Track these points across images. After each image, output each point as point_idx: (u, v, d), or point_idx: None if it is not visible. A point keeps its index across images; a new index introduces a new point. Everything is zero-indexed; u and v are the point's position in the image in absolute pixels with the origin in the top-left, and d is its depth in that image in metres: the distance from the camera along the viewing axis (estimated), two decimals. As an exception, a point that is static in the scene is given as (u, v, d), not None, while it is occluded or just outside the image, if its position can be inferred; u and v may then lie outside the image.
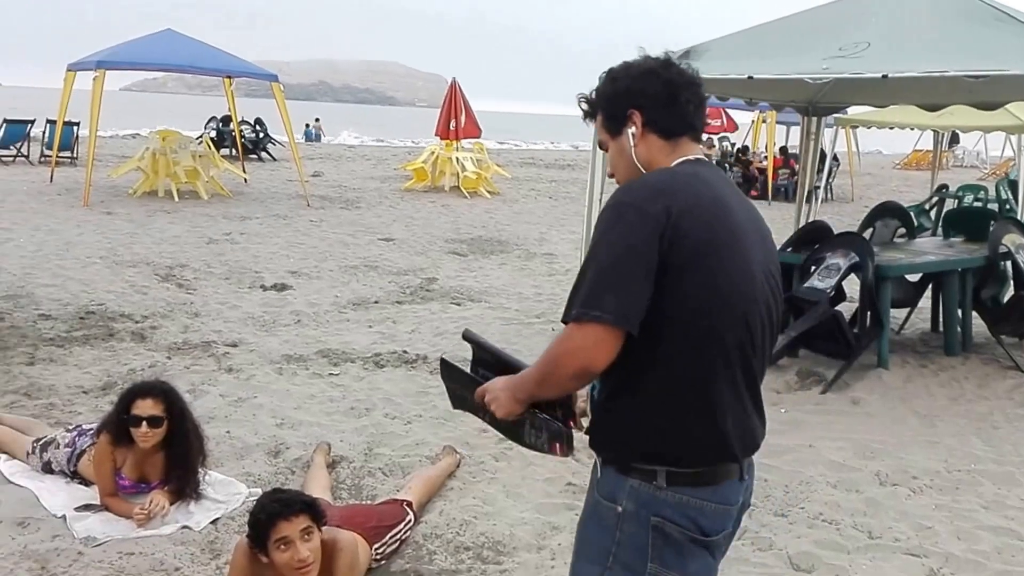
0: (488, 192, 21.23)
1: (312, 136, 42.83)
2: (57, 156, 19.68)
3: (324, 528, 3.86)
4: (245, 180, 19.89)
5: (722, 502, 2.49)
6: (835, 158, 24.00)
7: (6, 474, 5.33)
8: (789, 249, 8.95)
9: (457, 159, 21.38)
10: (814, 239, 8.96)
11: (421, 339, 8.66)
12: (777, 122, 24.57)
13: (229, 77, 19.46)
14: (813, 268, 8.28)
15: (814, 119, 11.37)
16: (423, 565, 4.43)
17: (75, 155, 21.70)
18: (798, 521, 5.12)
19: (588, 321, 2.32)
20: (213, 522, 4.81)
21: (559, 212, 18.89)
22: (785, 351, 8.09)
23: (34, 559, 4.40)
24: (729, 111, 31.01)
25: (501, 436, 2.86)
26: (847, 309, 8.64)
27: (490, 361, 2.76)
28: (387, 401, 6.72)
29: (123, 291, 10.11)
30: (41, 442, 5.37)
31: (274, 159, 26.61)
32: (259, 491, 5.10)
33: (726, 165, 27.18)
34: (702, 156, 2.61)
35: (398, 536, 4.50)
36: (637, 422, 2.44)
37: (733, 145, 31.25)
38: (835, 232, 9.07)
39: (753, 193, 24.76)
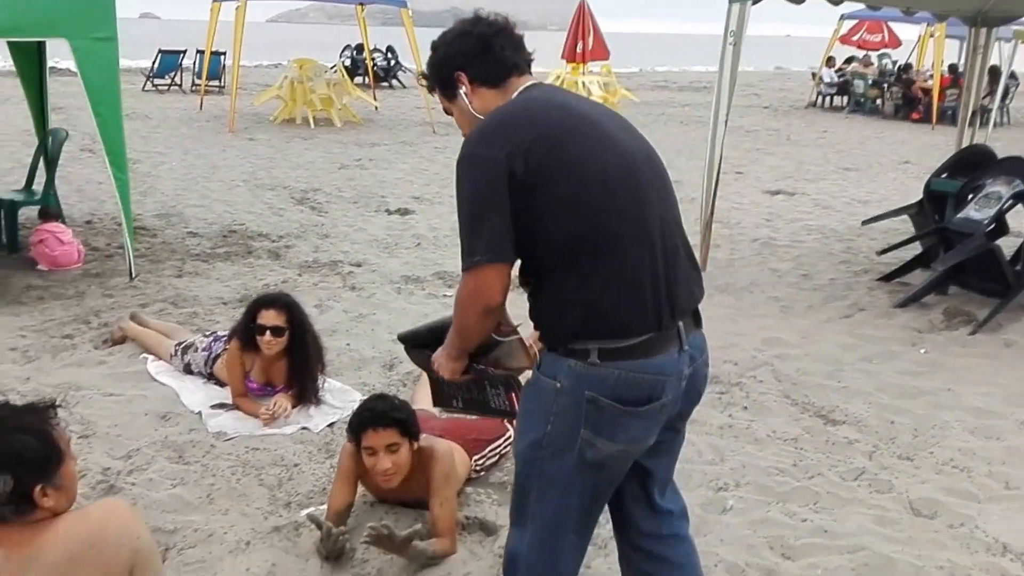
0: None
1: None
2: (206, 85, 20.36)
3: (423, 436, 4.05)
4: (376, 107, 20.27)
5: (657, 372, 2.62)
6: (1012, 76, 21.92)
7: (152, 373, 5.79)
8: (944, 175, 8.22)
9: (583, 83, 20.76)
10: (973, 164, 8.15)
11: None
12: (947, 36, 22.49)
13: (361, 4, 19.76)
14: (970, 197, 7.55)
15: (983, 31, 10.09)
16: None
17: (222, 84, 22.39)
18: (924, 466, 4.86)
19: (470, 268, 2.58)
20: (330, 425, 5.16)
21: (689, 137, 18.14)
22: (932, 288, 7.56)
23: (173, 448, 4.83)
24: (891, 25, 28.58)
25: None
26: (1008, 246, 7.93)
27: (431, 340, 3.01)
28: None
29: (262, 212, 10.58)
30: (182, 345, 5.81)
31: (404, 86, 26.93)
32: (374, 398, 5.46)
33: (884, 85, 25.43)
34: (533, 82, 2.82)
35: (498, 450, 4.63)
36: (564, 311, 2.62)
37: (895, 63, 28.39)
38: (998, 157, 8.22)
39: (915, 116, 23.10)
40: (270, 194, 11.62)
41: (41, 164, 8.94)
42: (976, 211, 7.39)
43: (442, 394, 3.19)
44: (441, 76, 2.84)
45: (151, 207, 10.48)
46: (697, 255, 8.50)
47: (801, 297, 7.90)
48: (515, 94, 2.75)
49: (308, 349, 5.30)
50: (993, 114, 20.78)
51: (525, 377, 2.87)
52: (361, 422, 3.90)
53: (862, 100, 25.34)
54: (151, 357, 5.97)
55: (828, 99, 26.48)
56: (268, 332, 5.16)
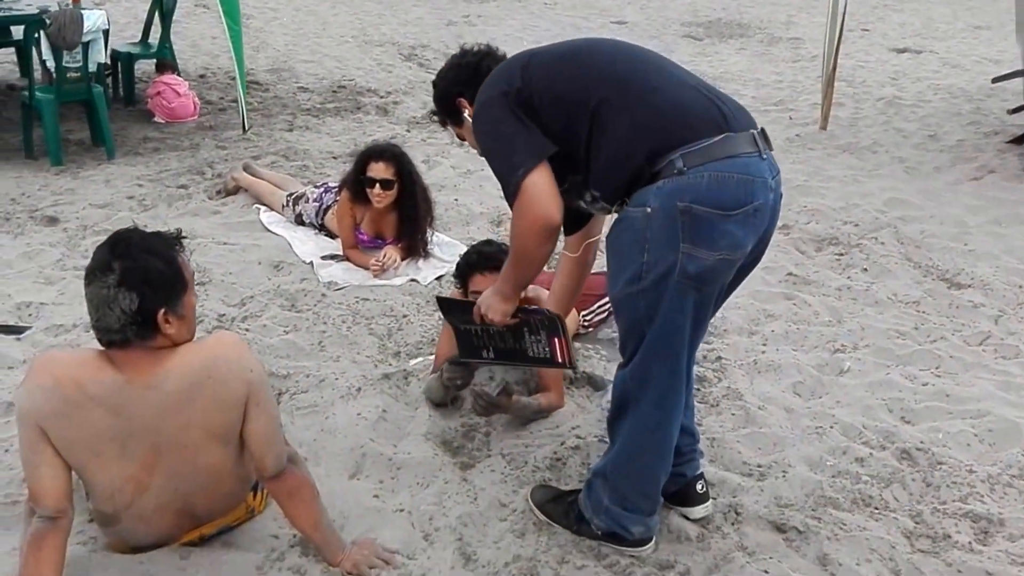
0: None
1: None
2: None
3: (531, 287, 3.98)
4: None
5: (744, 172, 2.61)
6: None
7: (265, 223, 5.81)
8: None
9: None
10: None
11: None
12: None
13: None
14: None
15: None
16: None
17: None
18: None
19: (517, 187, 2.62)
20: (438, 278, 5.13)
21: None
22: None
23: (285, 297, 4.86)
24: None
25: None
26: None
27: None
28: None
29: (371, 68, 10.47)
30: (294, 196, 5.80)
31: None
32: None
33: None
34: None
35: (606, 306, 4.50)
36: (631, 146, 2.64)
37: None
38: None
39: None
40: (379, 50, 11.48)
41: (156, 18, 8.91)
42: None
43: (471, 346, 3.21)
44: (446, 107, 3.09)
45: (263, 62, 10.44)
46: (818, 113, 8.34)
47: (927, 158, 7.53)
48: None
49: (417, 202, 5.23)
50: None
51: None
52: (468, 264, 3.84)
53: (997, -45, 23.84)
54: (263, 207, 5.99)
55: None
56: (377, 184, 5.10)
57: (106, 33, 7.41)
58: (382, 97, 9.20)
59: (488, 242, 4.11)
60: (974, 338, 4.54)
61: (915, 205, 6.39)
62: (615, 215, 2.78)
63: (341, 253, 5.35)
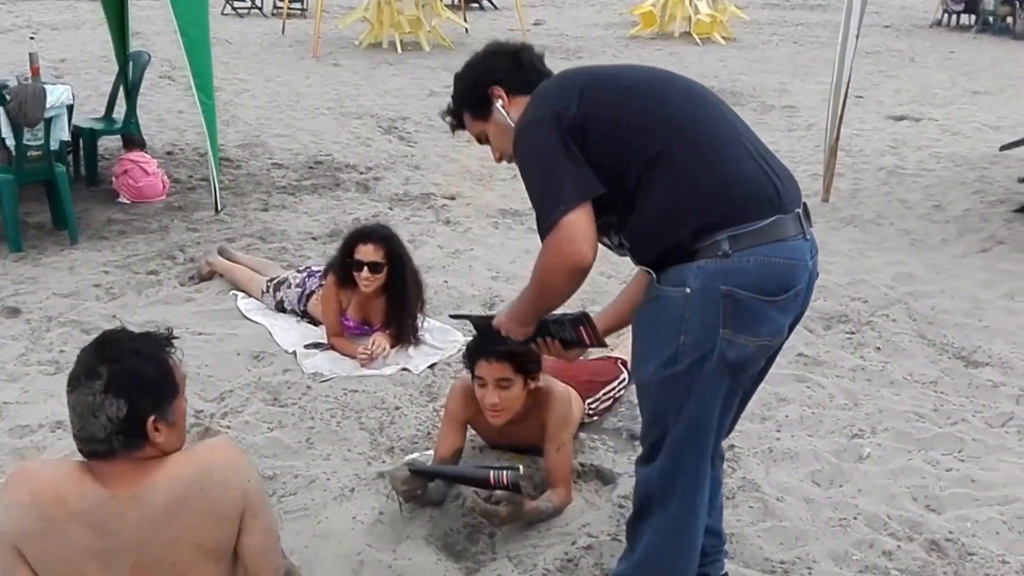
0: (723, 38, 19.95)
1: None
2: (288, 8, 20.36)
3: (541, 376, 3.95)
4: (466, 30, 20.05)
5: (790, 257, 2.65)
6: None
7: (243, 310, 5.82)
8: None
9: (690, 0, 20.12)
10: None
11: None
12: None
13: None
14: None
15: None
16: (638, 425, 4.46)
17: (304, 6, 22.33)
18: None
19: (555, 222, 2.59)
20: (431, 366, 5.14)
21: (804, 59, 17.64)
22: None
23: (267, 390, 4.85)
24: None
25: None
26: None
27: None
28: (603, 260, 6.78)
29: (348, 142, 10.57)
30: (274, 282, 5.83)
31: (496, 7, 26.61)
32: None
33: (1016, 2, 23.38)
34: None
35: (612, 394, 4.57)
36: (678, 214, 2.64)
37: None
38: None
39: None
40: (357, 123, 11.60)
41: (121, 91, 9.00)
42: None
43: (491, 335, 3.21)
44: (473, 98, 2.99)
45: (234, 137, 10.53)
46: (819, 185, 8.44)
47: (933, 230, 7.64)
48: None
49: (407, 286, 5.26)
50: None
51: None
52: (476, 349, 3.84)
53: (991, 19, 24.36)
54: (241, 294, 6.00)
55: (954, 17, 25.50)
56: (366, 268, 5.13)
57: (70, 109, 7.46)
58: (362, 173, 9.28)
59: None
60: (996, 419, 4.57)
61: (924, 279, 6.46)
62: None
63: (326, 342, 5.35)
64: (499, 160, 3.04)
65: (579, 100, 2.70)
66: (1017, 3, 24.07)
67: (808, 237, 2.73)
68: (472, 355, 3.86)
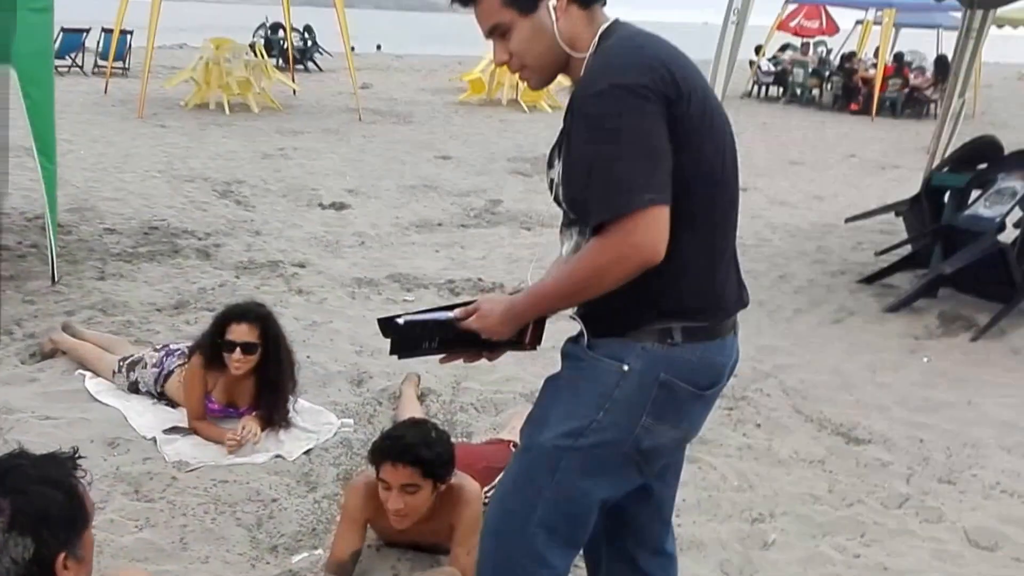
0: (549, 107, 20.08)
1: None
2: (111, 67, 19.53)
3: (455, 473, 3.68)
4: (295, 91, 19.69)
5: (722, 354, 2.53)
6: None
7: (92, 392, 5.32)
8: (946, 169, 7.98)
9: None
10: (980, 158, 7.85)
11: (493, 266, 8.48)
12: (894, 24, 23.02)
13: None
14: (979, 193, 7.28)
15: (978, 13, 9.34)
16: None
17: (127, 65, 21.49)
18: (970, 491, 4.65)
19: (645, 206, 2.23)
20: (306, 452, 4.78)
21: None
22: (925, 291, 7.37)
23: (127, 482, 4.40)
24: (830, 10, 28.43)
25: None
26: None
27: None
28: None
29: (183, 207, 10.07)
30: (128, 361, 5.35)
31: (321, 70, 26.31)
32: (351, 422, 5.08)
33: (824, 73, 25.39)
34: (615, 20, 2.50)
35: None
36: (665, 284, 2.37)
37: (829, 52, 28.50)
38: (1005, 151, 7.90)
39: (853, 107, 23.34)
40: (190, 186, 11.09)
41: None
42: (986, 208, 7.18)
43: (411, 338, 2.56)
44: None
45: (62, 201, 9.70)
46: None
47: (783, 300, 7.72)
48: (601, 29, 2.44)
49: (282, 366, 4.90)
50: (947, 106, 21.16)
51: None
52: (381, 450, 3.53)
53: (800, 90, 25.48)
54: (88, 374, 5.49)
55: (764, 88, 26.59)
56: (239, 349, 4.74)
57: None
58: (200, 239, 8.81)
59: (416, 424, 3.78)
60: (891, 500, 4.52)
61: (788, 351, 6.48)
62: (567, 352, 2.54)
63: (186, 426, 4.93)
64: (508, 65, 2.49)
65: (689, 96, 2.32)
66: (827, 74, 25.26)
67: (736, 334, 2.62)
68: (377, 456, 3.54)
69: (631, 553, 2.86)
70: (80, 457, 2.33)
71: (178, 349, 5.31)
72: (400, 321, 2.53)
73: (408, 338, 2.56)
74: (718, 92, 7.79)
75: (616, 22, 2.47)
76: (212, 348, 4.81)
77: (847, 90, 24.26)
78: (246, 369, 4.81)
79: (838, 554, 4.03)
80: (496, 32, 2.45)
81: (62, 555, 2.16)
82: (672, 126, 2.28)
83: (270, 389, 4.91)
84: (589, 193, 2.29)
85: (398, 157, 13.91)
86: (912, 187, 13.05)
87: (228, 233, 9.11)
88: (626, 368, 2.41)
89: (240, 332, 4.75)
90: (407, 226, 9.94)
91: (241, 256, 8.33)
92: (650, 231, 2.23)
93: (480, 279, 7.96)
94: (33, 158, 6.97)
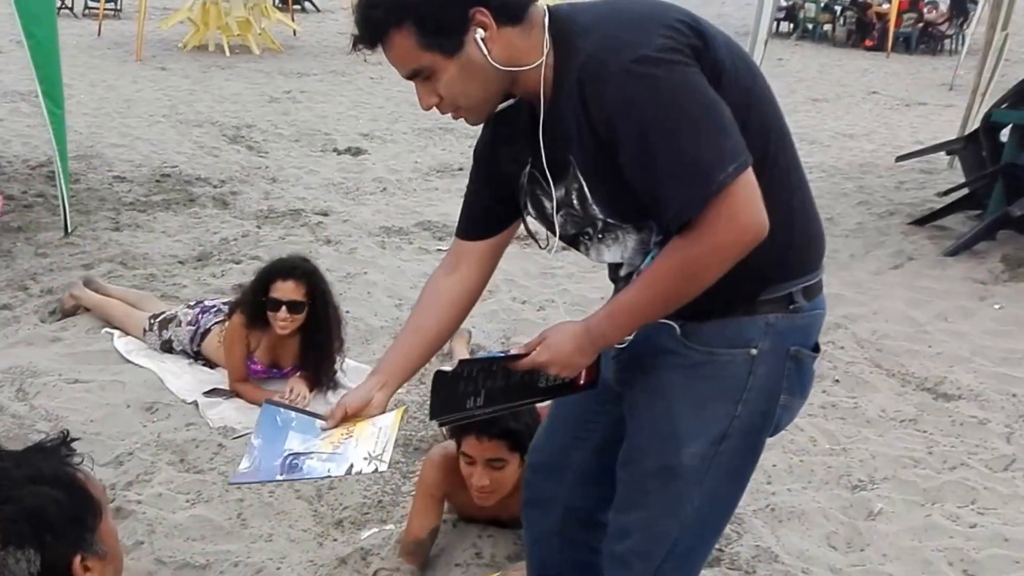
0: None
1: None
2: (103, 8, 18.99)
3: None
4: (295, 32, 19.17)
5: (824, 308, 2.27)
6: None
7: (122, 352, 5.00)
8: (1005, 105, 7.65)
9: None
10: None
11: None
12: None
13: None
14: None
15: None
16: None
17: (119, 7, 20.91)
18: None
19: (733, 181, 1.88)
20: (359, 415, 4.47)
21: None
22: (987, 233, 7.10)
23: (171, 450, 4.11)
24: None
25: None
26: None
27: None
28: (510, 282, 6.24)
29: (193, 153, 9.69)
30: (159, 318, 5.02)
31: (318, 10, 25.69)
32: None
33: (836, 9, 24.84)
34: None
35: None
36: (776, 243, 1.98)
37: None
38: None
39: (868, 43, 22.97)
40: (198, 131, 10.70)
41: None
42: None
43: (454, 396, 2.14)
44: (441, 17, 1.96)
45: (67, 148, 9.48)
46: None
47: (837, 245, 7.37)
48: (546, 24, 2.04)
49: (330, 325, 4.56)
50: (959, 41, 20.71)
51: None
52: (466, 425, 3.20)
53: (812, 25, 24.98)
54: (116, 332, 5.17)
55: (774, 24, 26.04)
56: (284, 308, 4.41)
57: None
58: (216, 187, 8.45)
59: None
60: (996, 463, 4.22)
61: (851, 300, 6.15)
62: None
63: (227, 388, 4.62)
64: (438, 108, 2.07)
65: (713, 40, 2.01)
66: (838, 9, 24.77)
67: None
68: (459, 428, 3.21)
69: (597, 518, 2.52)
70: (73, 440, 1.98)
71: (213, 306, 4.98)
72: (446, 369, 2.11)
73: (452, 393, 2.13)
74: (758, 47, 7.38)
75: (554, 8, 2.06)
76: (255, 306, 4.48)
77: (861, 25, 23.77)
78: (292, 328, 4.48)
79: (952, 523, 3.73)
80: (419, 76, 2.04)
81: (77, 557, 1.85)
82: (713, 75, 1.96)
83: (317, 348, 4.59)
84: (662, 191, 1.92)
85: (408, 99, 13.34)
86: (941, 124, 12.85)
87: (244, 180, 8.74)
88: (754, 352, 2.12)
89: (286, 290, 4.41)
90: (427, 171, 9.59)
91: (260, 204, 7.98)
92: (748, 203, 1.90)
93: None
94: (29, 103, 6.60)
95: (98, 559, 1.88)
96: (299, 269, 4.46)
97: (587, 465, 2.50)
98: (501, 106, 2.14)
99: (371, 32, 2.00)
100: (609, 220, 2.11)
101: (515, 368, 2.16)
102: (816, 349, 2.23)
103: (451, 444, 3.33)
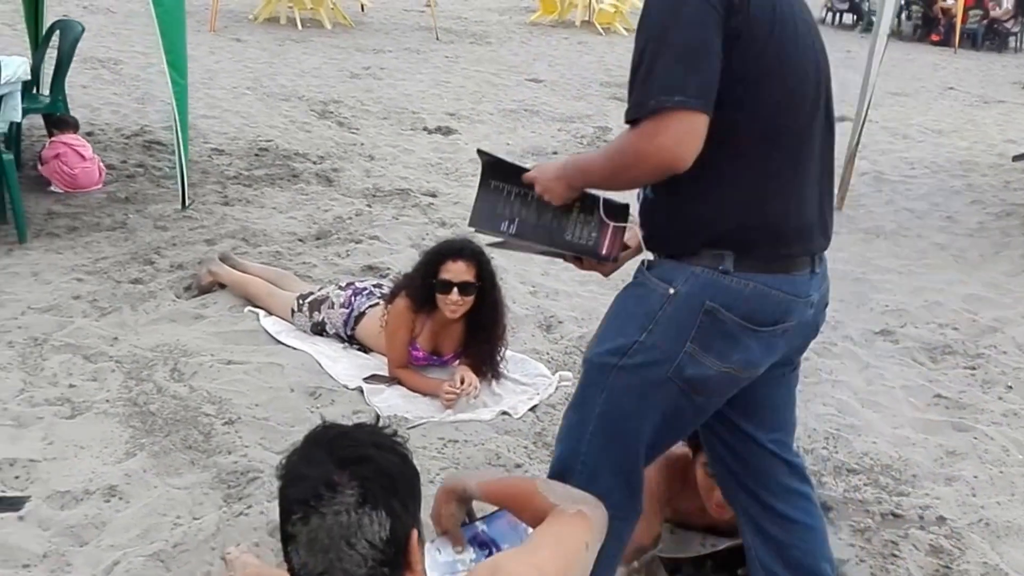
0: (625, 30, 19.02)
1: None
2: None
3: None
4: (363, 7, 18.97)
5: (790, 291, 2.41)
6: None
7: (272, 332, 4.88)
8: None
9: None
10: None
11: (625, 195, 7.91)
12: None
13: None
14: None
15: None
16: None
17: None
18: None
19: (672, 109, 2.17)
20: (532, 409, 4.33)
21: None
22: None
23: (342, 438, 3.96)
24: None
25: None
26: None
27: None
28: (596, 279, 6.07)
29: (285, 127, 9.56)
30: (309, 299, 4.89)
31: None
32: (569, 375, 4.62)
33: (902, 2, 24.65)
34: None
35: None
36: (710, 208, 2.35)
37: None
38: None
39: (934, 37, 22.72)
40: (286, 105, 10.55)
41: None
42: None
43: (491, 212, 2.61)
44: None
45: (155, 117, 9.37)
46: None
47: (963, 244, 7.20)
48: None
49: (497, 310, 4.43)
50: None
51: None
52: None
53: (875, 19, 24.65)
54: (261, 312, 5.04)
55: (839, 16, 25.70)
56: (455, 289, 4.27)
57: (26, 86, 6.32)
58: (315, 163, 8.31)
59: None
60: None
61: (997, 302, 5.97)
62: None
63: (386, 374, 4.49)
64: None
65: (751, 5, 2.25)
66: (903, 2, 24.36)
67: (816, 271, 2.49)
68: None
69: (760, 497, 2.75)
70: (386, 426, 2.00)
71: (364, 288, 4.85)
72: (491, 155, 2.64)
73: (492, 208, 2.58)
74: (885, 19, 7.26)
75: None
76: (423, 289, 4.34)
77: (927, 20, 23.40)
78: (462, 312, 4.34)
79: None
80: None
81: (415, 532, 1.82)
82: (733, 32, 2.22)
83: (481, 335, 4.46)
84: (631, 89, 2.27)
85: (488, 80, 13.28)
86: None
87: (342, 157, 8.60)
88: (672, 291, 2.37)
89: (457, 271, 4.28)
90: (522, 154, 9.40)
91: (364, 183, 7.84)
92: (673, 133, 2.19)
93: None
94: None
95: (420, 544, 1.86)
96: (468, 249, 4.33)
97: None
98: None
99: None
100: None
101: (524, 180, 2.57)
102: (761, 324, 2.36)
103: (673, 452, 3.18)
